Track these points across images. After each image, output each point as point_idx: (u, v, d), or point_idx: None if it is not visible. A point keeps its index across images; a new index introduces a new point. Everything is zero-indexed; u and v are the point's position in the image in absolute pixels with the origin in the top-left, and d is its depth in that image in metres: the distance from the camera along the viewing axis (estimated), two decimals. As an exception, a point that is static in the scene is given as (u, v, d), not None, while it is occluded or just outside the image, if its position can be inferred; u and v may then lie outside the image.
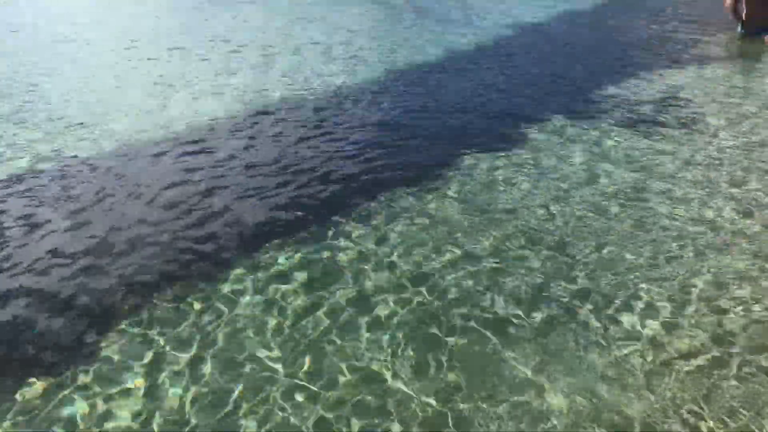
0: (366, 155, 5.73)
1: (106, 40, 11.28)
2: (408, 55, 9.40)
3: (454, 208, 4.69)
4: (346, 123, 6.60)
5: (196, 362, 3.25)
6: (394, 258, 4.05)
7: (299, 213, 4.72)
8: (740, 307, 3.55)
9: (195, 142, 6.13)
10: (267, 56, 9.80)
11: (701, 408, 2.90)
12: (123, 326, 3.50)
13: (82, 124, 6.77)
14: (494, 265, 3.97)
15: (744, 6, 10.42)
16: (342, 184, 5.18)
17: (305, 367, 3.20)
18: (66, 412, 3.00)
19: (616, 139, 6.12)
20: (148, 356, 3.30)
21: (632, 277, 3.85)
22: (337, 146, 5.96)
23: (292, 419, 2.89)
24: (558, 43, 10.58)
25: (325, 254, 4.12)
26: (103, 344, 3.38)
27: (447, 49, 9.88)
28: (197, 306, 3.65)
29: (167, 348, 3.34)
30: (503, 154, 5.73)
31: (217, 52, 10.06)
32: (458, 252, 4.09)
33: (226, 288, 3.81)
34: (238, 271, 3.97)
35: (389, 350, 3.27)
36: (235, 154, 5.88)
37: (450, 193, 4.95)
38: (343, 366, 3.20)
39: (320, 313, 3.55)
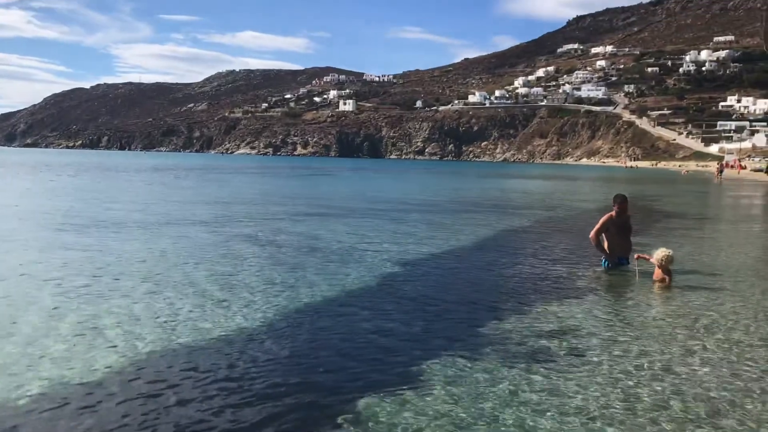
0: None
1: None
2: (295, 296, 9.37)
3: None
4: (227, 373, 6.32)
5: None
6: None
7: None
8: None
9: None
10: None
11: None
12: None
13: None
14: None
15: (604, 239, 11.80)
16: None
17: None
18: None
19: (508, 374, 6.11)
20: None
21: None
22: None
23: None
24: (437, 280, 11.05)
25: None
26: None
27: (332, 289, 9.98)
28: None
29: None
30: (390, 396, 5.54)
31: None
32: None
33: None
34: None
35: None
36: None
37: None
38: None
39: None
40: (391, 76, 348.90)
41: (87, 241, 14.28)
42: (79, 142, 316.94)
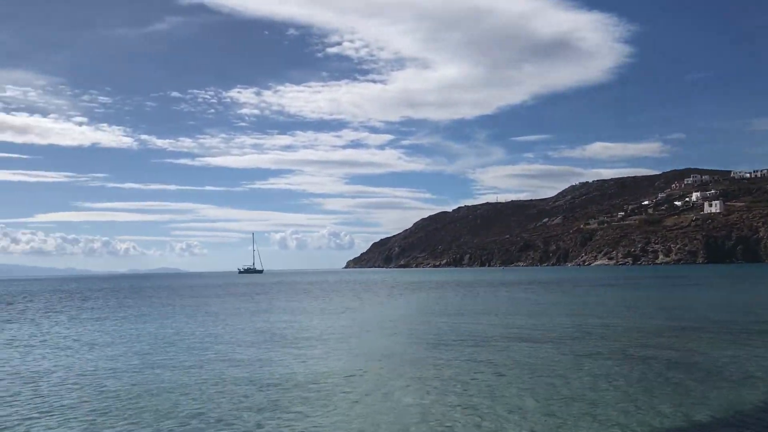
0: None
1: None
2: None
3: None
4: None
5: None
6: None
7: None
8: None
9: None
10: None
11: None
12: None
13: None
14: None
15: None
16: None
17: None
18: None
19: None
20: None
21: None
22: None
23: None
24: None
25: None
26: None
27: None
28: None
29: None
30: None
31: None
32: None
33: None
34: None
35: None
36: None
37: None
38: None
39: None
40: (766, 171, 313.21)
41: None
42: (444, 260, 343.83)
